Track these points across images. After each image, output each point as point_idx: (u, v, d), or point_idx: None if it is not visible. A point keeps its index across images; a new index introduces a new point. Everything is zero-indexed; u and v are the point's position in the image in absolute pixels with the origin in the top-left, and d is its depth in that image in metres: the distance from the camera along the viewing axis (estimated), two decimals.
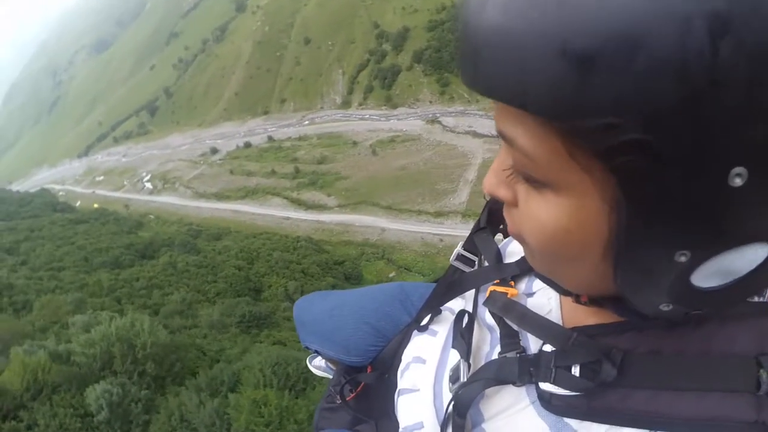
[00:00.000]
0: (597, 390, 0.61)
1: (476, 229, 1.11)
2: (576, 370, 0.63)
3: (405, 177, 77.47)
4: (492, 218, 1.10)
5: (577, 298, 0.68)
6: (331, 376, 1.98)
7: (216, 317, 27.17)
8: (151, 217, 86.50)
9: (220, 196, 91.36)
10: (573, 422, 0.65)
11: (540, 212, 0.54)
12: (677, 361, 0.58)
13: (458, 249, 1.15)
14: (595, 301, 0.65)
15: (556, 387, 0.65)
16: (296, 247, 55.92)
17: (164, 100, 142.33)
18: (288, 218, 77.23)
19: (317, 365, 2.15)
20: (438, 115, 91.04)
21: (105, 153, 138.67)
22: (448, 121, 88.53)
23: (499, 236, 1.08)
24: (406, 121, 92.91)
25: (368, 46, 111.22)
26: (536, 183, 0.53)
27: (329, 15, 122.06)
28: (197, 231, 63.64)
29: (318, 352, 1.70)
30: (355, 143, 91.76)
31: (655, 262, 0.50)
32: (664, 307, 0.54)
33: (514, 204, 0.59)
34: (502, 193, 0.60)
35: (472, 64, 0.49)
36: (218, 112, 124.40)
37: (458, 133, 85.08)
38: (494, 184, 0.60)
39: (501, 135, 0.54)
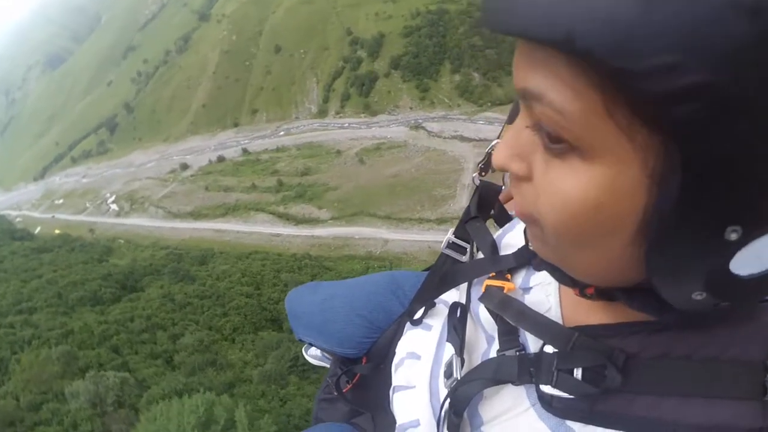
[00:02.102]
0: (600, 394, 0.60)
1: (468, 218, 1.09)
2: (578, 374, 0.61)
3: (399, 185, 74.77)
4: (482, 205, 1.09)
5: (583, 292, 0.63)
6: (327, 366, 1.96)
7: (270, 366, 21.64)
8: (121, 241, 79.74)
9: (196, 215, 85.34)
10: (575, 425, 0.63)
11: (565, 183, 0.48)
12: (683, 365, 0.56)
13: (449, 236, 1.14)
14: (604, 294, 0.61)
15: (558, 390, 0.63)
16: (301, 266, 50.34)
17: (124, 116, 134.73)
18: (278, 235, 72.28)
19: (313, 354, 2.09)
20: (420, 121, 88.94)
21: (63, 174, 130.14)
22: (432, 126, 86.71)
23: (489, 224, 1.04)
24: (389, 128, 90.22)
25: (342, 53, 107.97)
26: (562, 148, 0.48)
27: (299, 22, 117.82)
28: (178, 254, 57.35)
29: (313, 344, 1.68)
30: (339, 152, 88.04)
31: (700, 241, 0.45)
32: (697, 296, 0.49)
33: (528, 178, 0.55)
34: (516, 167, 0.55)
35: (506, 1, 0.45)
36: (185, 125, 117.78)
37: (445, 138, 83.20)
38: (507, 157, 0.56)
39: (524, 93, 0.49)
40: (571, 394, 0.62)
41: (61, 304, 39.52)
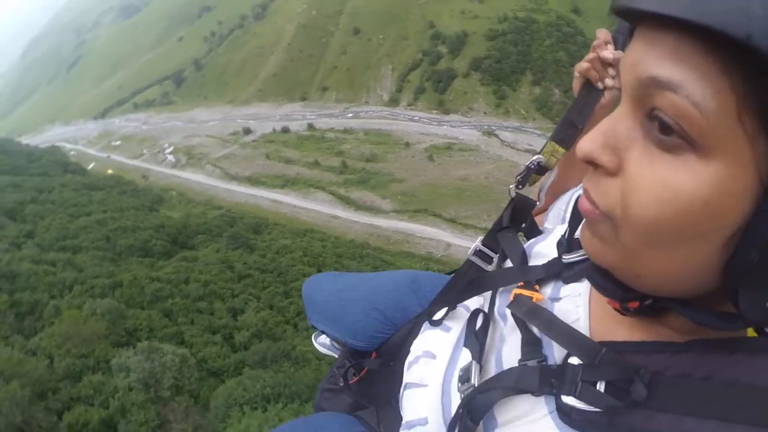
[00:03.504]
0: (621, 408, 0.60)
1: (499, 228, 1.10)
2: (601, 387, 0.62)
3: (467, 189, 71.33)
4: (515, 217, 1.10)
5: (624, 305, 0.63)
6: (335, 355, 2.02)
7: None
8: (173, 193, 76.58)
9: (254, 181, 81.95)
10: None
11: (677, 178, 0.47)
12: (704, 386, 0.56)
13: (477, 244, 1.14)
14: (650, 308, 0.61)
15: (580, 401, 0.63)
16: (363, 255, 45.79)
17: (192, 73, 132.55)
18: (337, 217, 68.25)
19: (322, 342, 2.13)
20: (494, 128, 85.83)
21: (124, 118, 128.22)
22: (506, 135, 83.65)
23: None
24: (461, 129, 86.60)
25: (422, 45, 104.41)
26: (675, 142, 0.47)
27: (382, 7, 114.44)
28: (231, 217, 53.36)
29: (324, 333, 1.71)
30: (407, 144, 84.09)
31: None
32: None
33: (613, 173, 0.54)
34: (606, 158, 0.54)
35: None
36: (252, 91, 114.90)
37: (518, 150, 79.55)
38: (599, 146, 0.54)
39: (651, 81, 0.48)
40: (593, 406, 0.62)
41: (109, 248, 35.79)
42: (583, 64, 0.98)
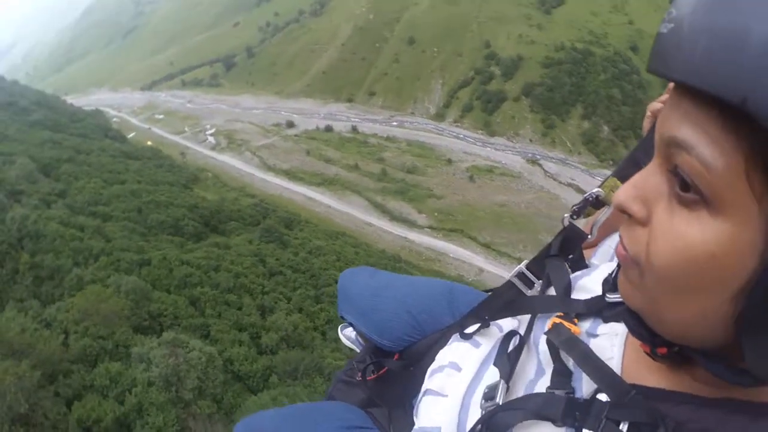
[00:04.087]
0: None
1: (547, 254, 1.11)
2: (624, 427, 0.63)
3: (505, 216, 69.23)
4: (564, 247, 1.10)
5: (654, 350, 0.64)
6: (358, 350, 2.05)
7: None
8: (209, 174, 75.30)
9: (291, 175, 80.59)
10: None
11: (688, 231, 0.50)
12: None
13: (521, 267, 1.15)
14: (676, 356, 0.63)
15: None
16: (396, 269, 43.59)
17: (244, 59, 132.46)
18: (371, 224, 66.50)
19: (348, 335, 2.18)
20: (538, 156, 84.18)
21: (170, 93, 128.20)
22: (550, 166, 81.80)
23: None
24: (504, 154, 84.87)
25: (475, 63, 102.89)
26: (692, 199, 0.50)
27: (439, 21, 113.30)
28: (264, 208, 51.69)
29: (352, 325, 1.73)
30: (449, 161, 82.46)
31: None
32: None
33: (643, 223, 0.56)
34: (636, 208, 0.57)
35: (689, 49, 0.46)
36: (300, 86, 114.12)
37: (561, 182, 78.23)
38: (630, 197, 0.57)
39: (671, 141, 0.51)
40: None
41: (140, 221, 34.29)
42: (656, 104, 0.96)
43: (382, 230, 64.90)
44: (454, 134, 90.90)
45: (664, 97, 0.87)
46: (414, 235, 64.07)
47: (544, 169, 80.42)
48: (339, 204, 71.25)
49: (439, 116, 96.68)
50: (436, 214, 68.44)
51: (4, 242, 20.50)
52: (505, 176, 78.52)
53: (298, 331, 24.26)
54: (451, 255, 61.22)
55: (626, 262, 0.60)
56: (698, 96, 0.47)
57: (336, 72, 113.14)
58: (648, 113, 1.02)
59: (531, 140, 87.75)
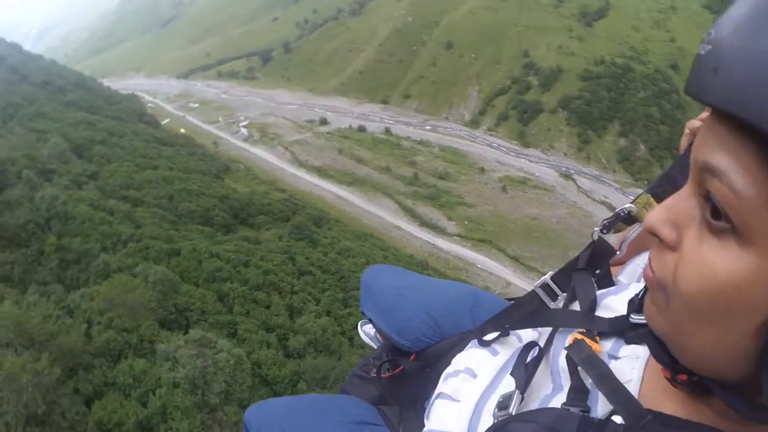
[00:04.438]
0: None
1: (574, 267, 1.09)
2: None
3: (536, 230, 67.48)
4: (592, 261, 1.08)
5: (675, 376, 0.64)
6: (375, 347, 2.08)
7: None
8: (240, 165, 74.78)
9: (322, 173, 79.69)
10: None
11: (716, 260, 0.49)
12: None
13: (546, 278, 1.14)
14: (695, 385, 0.62)
15: None
16: (422, 274, 42.24)
17: (281, 54, 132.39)
18: (399, 228, 65.01)
19: (367, 332, 2.24)
20: (572, 171, 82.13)
21: (205, 83, 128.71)
22: (583, 182, 79.61)
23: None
24: (538, 166, 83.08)
25: (513, 72, 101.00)
26: (722, 227, 0.49)
27: (478, 27, 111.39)
28: (294, 204, 50.80)
29: (372, 322, 1.73)
30: (482, 170, 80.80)
31: None
32: None
33: (673, 248, 0.56)
34: (666, 232, 0.56)
35: (726, 73, 0.45)
36: (335, 84, 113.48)
37: (594, 199, 75.97)
38: (662, 221, 0.57)
39: (704, 166, 0.51)
40: None
41: (170, 209, 33.55)
42: (695, 122, 0.95)
43: (410, 235, 63.53)
44: (488, 143, 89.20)
45: (704, 115, 0.87)
46: (442, 243, 62.58)
47: (577, 185, 78.61)
48: (369, 205, 70.08)
49: (474, 123, 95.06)
50: (466, 222, 66.94)
51: (32, 222, 19.72)
52: (538, 189, 76.77)
53: (326, 336, 23.17)
54: (478, 265, 59.62)
55: (653, 285, 0.60)
56: (734, 122, 0.46)
57: (372, 72, 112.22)
58: (686, 131, 1.00)
59: (566, 154, 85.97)
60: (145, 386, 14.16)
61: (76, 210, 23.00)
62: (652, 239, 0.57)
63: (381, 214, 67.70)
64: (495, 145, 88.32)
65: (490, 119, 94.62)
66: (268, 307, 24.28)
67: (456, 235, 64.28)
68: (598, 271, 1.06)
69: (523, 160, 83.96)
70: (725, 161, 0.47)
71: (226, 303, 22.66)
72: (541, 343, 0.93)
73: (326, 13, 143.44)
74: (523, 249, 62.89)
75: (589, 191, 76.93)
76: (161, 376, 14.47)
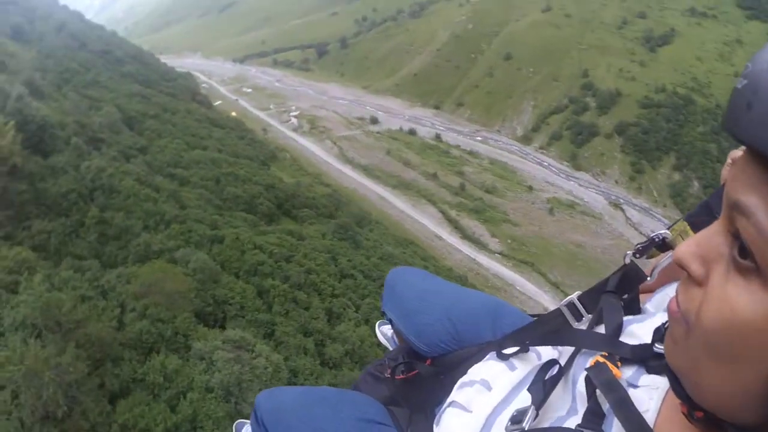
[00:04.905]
0: None
1: (603, 289, 1.08)
2: None
3: (580, 258, 64.74)
4: (622, 285, 1.07)
5: (691, 411, 0.63)
6: (391, 349, 2.10)
7: None
8: (287, 155, 73.87)
9: (368, 172, 78.24)
10: None
11: (739, 300, 0.49)
12: None
13: (573, 297, 1.14)
14: (710, 423, 0.61)
15: None
16: None
17: (337, 48, 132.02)
18: (441, 238, 63.02)
19: (384, 332, 2.28)
20: (622, 201, 78.64)
21: (260, 70, 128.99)
22: (632, 213, 76.29)
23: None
24: (587, 191, 79.87)
25: (570, 91, 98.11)
26: (748, 266, 0.49)
27: (539, 41, 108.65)
28: (337, 200, 49.44)
29: (391, 323, 1.73)
30: (530, 189, 78.21)
31: None
32: None
33: (700, 283, 0.55)
34: (695, 267, 0.56)
35: (760, 109, 0.44)
36: (389, 84, 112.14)
37: (641, 233, 71.15)
38: (691, 255, 0.56)
39: (735, 204, 0.50)
40: None
41: (216, 192, 32.51)
42: (737, 153, 0.92)
43: (451, 246, 61.56)
44: (539, 161, 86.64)
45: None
46: (483, 259, 60.49)
47: (626, 215, 75.52)
48: (412, 210, 68.35)
49: (526, 139, 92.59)
50: (509, 241, 64.69)
51: (75, 191, 18.60)
52: (586, 215, 74.07)
53: (363, 347, 21.58)
54: (517, 287, 57.35)
55: (675, 318, 0.60)
56: (765, 161, 0.46)
57: (427, 76, 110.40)
58: (729, 160, 0.98)
59: (617, 182, 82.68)
60: (176, 387, 12.79)
61: (121, 184, 21.94)
62: (681, 271, 0.58)
63: (424, 221, 65.90)
64: (545, 164, 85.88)
65: (543, 137, 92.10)
66: (307, 309, 22.87)
67: (498, 253, 62.15)
68: (626, 296, 1.04)
69: (572, 183, 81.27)
70: (754, 201, 0.47)
71: (265, 300, 21.29)
72: (562, 362, 0.94)
73: (386, 12, 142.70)
74: (565, 276, 60.25)
75: (638, 224, 73.45)
76: (194, 378, 13.08)
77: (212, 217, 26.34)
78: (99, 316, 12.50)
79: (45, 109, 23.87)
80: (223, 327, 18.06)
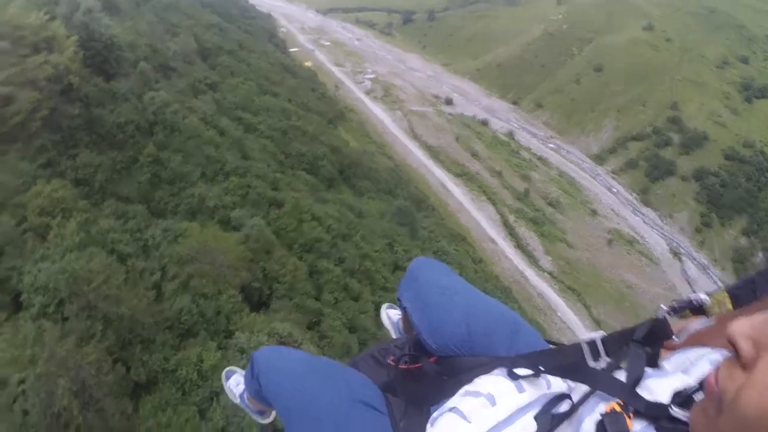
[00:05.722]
0: None
1: (630, 337, 1.07)
2: None
3: (628, 300, 60.93)
4: (648, 337, 1.06)
5: None
6: (392, 335, 2.15)
7: None
8: (354, 115, 71.13)
9: (434, 154, 75.04)
10: None
11: None
12: None
13: (596, 337, 1.13)
14: None
15: None
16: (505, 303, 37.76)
17: (423, 19, 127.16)
18: (494, 242, 59.88)
19: (390, 316, 2.29)
20: (682, 250, 73.19)
21: (341, 24, 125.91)
22: (690, 267, 70.87)
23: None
24: (650, 231, 74.73)
25: (656, 120, 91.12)
26: None
27: (634, 59, 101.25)
28: (398, 177, 46.79)
29: (405, 310, 1.71)
30: (594, 213, 73.83)
31: None
32: None
33: (746, 365, 0.54)
34: (746, 348, 0.55)
35: None
36: (470, 67, 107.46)
37: (694, 291, 64.85)
38: (745, 336, 0.55)
39: None
40: None
41: (282, 145, 30.21)
42: None
43: (502, 253, 58.42)
44: (608, 185, 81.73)
45: None
46: (532, 274, 57.18)
47: (683, 267, 70.40)
48: (471, 205, 65.17)
49: (600, 159, 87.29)
50: (562, 262, 61.12)
51: (133, 123, 16.25)
52: (643, 256, 69.40)
53: None
54: (559, 313, 54.12)
55: (711, 394, 0.59)
56: None
57: (511, 68, 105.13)
58: None
59: (682, 229, 77.07)
60: (208, 388, 10.45)
61: (185, 122, 19.61)
62: (716, 339, 0.57)
63: (480, 219, 62.82)
64: (614, 189, 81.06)
65: (618, 161, 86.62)
66: (356, 300, 20.45)
67: (548, 272, 58.75)
68: (648, 349, 1.03)
69: (638, 218, 76.57)
70: None
71: (316, 282, 18.93)
72: (574, 398, 0.94)
73: None
74: (609, 316, 56.50)
75: (693, 279, 68.84)
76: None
77: (274, 174, 24.00)
78: (134, 287, 10.11)
79: (117, 27, 21.63)
80: (267, 305, 15.79)
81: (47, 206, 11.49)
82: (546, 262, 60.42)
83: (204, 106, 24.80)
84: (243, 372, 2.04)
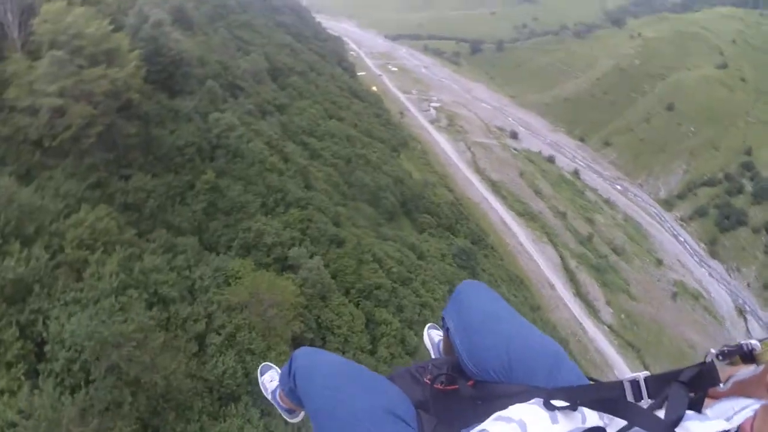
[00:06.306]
0: None
1: (675, 378, 1.07)
2: None
3: (689, 359, 53.45)
4: (694, 381, 1.06)
5: None
6: (432, 354, 2.21)
7: None
8: (418, 145, 70.14)
9: (496, 189, 72.97)
10: None
11: None
12: None
13: (641, 375, 1.13)
14: None
15: None
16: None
17: (491, 50, 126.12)
18: (553, 287, 56.84)
19: (431, 336, 2.31)
20: (747, 308, 68.03)
21: (409, 52, 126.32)
22: (754, 327, 65.16)
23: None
24: (718, 286, 69.54)
25: (728, 166, 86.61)
26: None
27: (706, 99, 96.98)
28: (458, 212, 45.02)
29: (448, 331, 1.72)
30: (659, 263, 69.25)
31: None
32: None
33: None
34: None
35: None
36: (537, 100, 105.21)
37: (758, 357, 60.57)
38: None
39: None
40: None
41: (344, 174, 29.03)
42: None
43: (561, 300, 55.24)
44: (675, 233, 77.26)
45: None
46: (590, 326, 53.73)
47: (747, 327, 64.96)
48: (531, 246, 62.47)
49: (668, 204, 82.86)
50: (622, 316, 57.36)
51: (194, 145, 15.15)
52: (707, 313, 64.76)
53: None
54: (615, 371, 50.20)
55: None
56: None
57: (579, 104, 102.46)
58: None
59: (749, 285, 71.62)
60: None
61: (249, 146, 18.44)
62: (757, 390, 0.52)
63: (540, 262, 59.99)
64: (681, 238, 76.40)
65: (687, 207, 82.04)
66: (411, 355, 18.63)
67: (608, 325, 55.12)
68: (692, 394, 1.02)
69: (704, 269, 71.88)
70: None
71: (372, 334, 17.24)
72: None
73: (547, 25, 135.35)
74: None
75: (754, 347, 63.06)
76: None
77: (336, 208, 22.58)
78: (172, 350, 8.67)
79: (188, 42, 20.83)
80: None
81: (87, 238, 10.34)
82: (606, 313, 56.92)
83: (270, 129, 23.81)
84: (278, 369, 2.04)
